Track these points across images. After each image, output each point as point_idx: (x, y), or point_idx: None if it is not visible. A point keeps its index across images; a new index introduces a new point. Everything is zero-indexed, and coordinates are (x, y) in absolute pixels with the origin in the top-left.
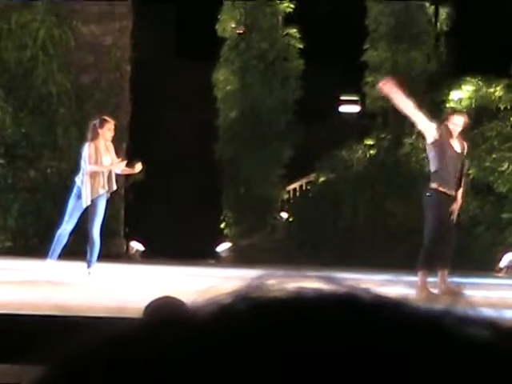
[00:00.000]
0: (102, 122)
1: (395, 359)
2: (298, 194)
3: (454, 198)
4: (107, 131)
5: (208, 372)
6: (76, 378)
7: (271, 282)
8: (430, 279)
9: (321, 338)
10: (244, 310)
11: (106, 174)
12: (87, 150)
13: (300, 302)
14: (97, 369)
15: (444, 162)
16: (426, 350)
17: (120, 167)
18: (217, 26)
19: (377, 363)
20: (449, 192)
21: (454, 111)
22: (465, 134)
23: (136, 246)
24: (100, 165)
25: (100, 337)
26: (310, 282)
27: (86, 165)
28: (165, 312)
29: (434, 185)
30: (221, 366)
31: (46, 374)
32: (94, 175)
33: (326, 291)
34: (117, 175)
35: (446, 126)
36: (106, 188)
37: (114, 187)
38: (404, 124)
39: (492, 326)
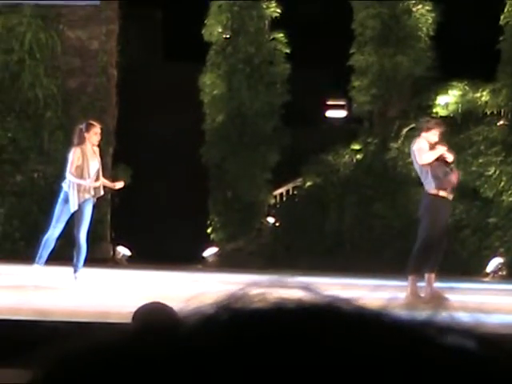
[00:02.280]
0: (89, 126)
1: (374, 370)
2: (284, 198)
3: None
4: (93, 135)
5: (191, 382)
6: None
7: (254, 292)
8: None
9: (300, 349)
10: (226, 321)
11: (93, 179)
12: (71, 155)
13: (281, 314)
14: (85, 374)
15: (437, 169)
16: (404, 359)
17: (97, 185)
18: (203, 31)
19: (356, 374)
20: (448, 196)
21: (428, 127)
22: (452, 138)
23: (122, 250)
24: (85, 170)
25: (87, 342)
26: (292, 291)
27: (68, 172)
28: (153, 318)
29: (432, 190)
30: (204, 376)
31: (33, 378)
32: None
33: (307, 302)
34: None
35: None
36: (93, 193)
37: (101, 192)
38: (390, 128)
39: (471, 334)
